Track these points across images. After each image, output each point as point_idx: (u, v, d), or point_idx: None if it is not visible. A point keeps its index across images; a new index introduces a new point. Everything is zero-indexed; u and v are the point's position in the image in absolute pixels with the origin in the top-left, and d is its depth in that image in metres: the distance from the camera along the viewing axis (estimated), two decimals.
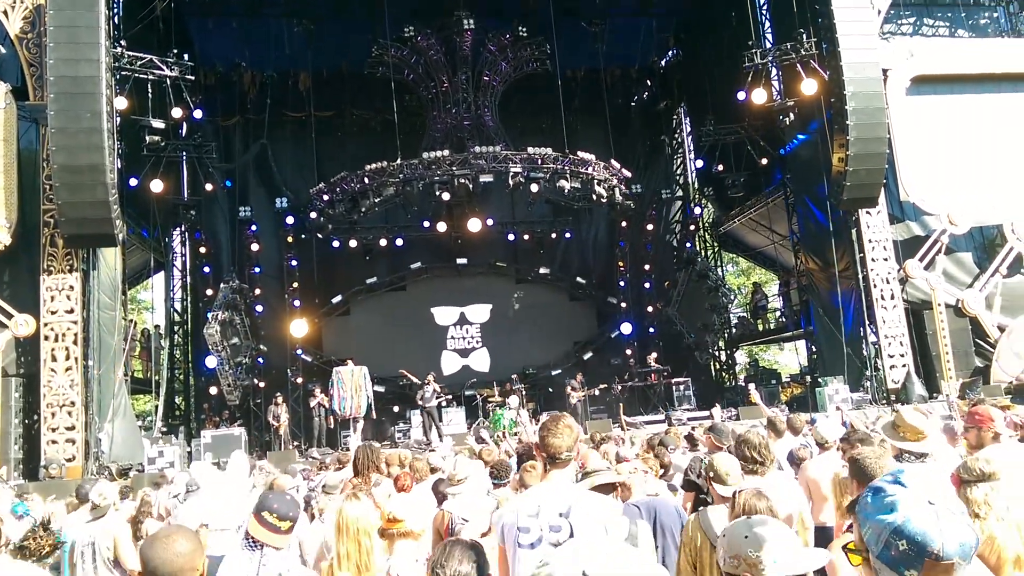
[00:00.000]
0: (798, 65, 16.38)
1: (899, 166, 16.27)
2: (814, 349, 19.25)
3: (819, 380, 16.50)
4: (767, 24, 19.20)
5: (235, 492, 6.09)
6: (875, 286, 15.89)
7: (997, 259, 16.48)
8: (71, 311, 13.31)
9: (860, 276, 16.01)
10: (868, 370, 15.72)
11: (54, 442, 12.85)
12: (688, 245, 23.64)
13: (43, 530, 5.06)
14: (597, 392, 17.99)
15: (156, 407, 17.87)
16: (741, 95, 17.65)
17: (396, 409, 19.56)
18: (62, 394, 12.99)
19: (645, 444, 8.07)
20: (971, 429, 4.90)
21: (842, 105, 14.90)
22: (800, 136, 18.18)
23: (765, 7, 19.24)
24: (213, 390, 19.15)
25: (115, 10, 14.42)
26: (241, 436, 14.63)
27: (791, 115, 17.16)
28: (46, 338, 13.20)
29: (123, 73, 14.59)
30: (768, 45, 18.12)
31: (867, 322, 15.93)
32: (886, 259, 16.09)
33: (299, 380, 20.26)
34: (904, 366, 15.59)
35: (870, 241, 16.09)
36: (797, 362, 26.33)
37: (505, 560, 3.11)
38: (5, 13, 13.71)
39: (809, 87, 16.15)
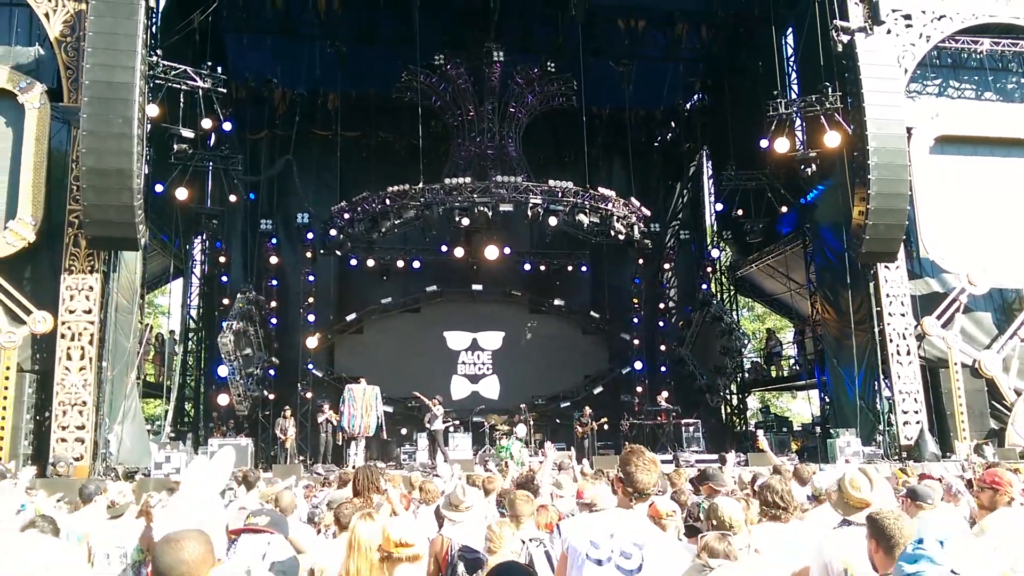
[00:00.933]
0: (822, 117, 16.45)
1: (920, 223, 16.26)
2: (826, 399, 19.09)
3: (830, 431, 16.34)
4: (793, 75, 19.38)
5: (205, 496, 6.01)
6: (891, 341, 15.78)
7: (1015, 323, 16.36)
8: (89, 311, 13.41)
9: (876, 330, 15.90)
10: (881, 425, 15.56)
11: (63, 440, 12.88)
12: (704, 287, 23.62)
13: None
14: (606, 427, 17.89)
15: (166, 412, 17.91)
16: (764, 143, 17.71)
17: (404, 431, 19.48)
18: (74, 393, 13.04)
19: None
20: (985, 490, 4.85)
21: (865, 160, 14.95)
22: (821, 186, 18.21)
23: (792, 58, 19.43)
24: (223, 399, 19.20)
25: (154, 20, 14.69)
26: (248, 447, 14.62)
27: (813, 165, 17.19)
28: (63, 336, 13.28)
29: (157, 81, 14.83)
30: (793, 96, 18.26)
31: (882, 376, 15.80)
32: (903, 314, 15.99)
33: (309, 395, 20.27)
34: (918, 423, 15.41)
35: (887, 295, 16.01)
36: (809, 411, 26.12)
37: (564, 566, 3.17)
38: (47, 16, 14.03)
39: (832, 140, 16.20)
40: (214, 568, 2.39)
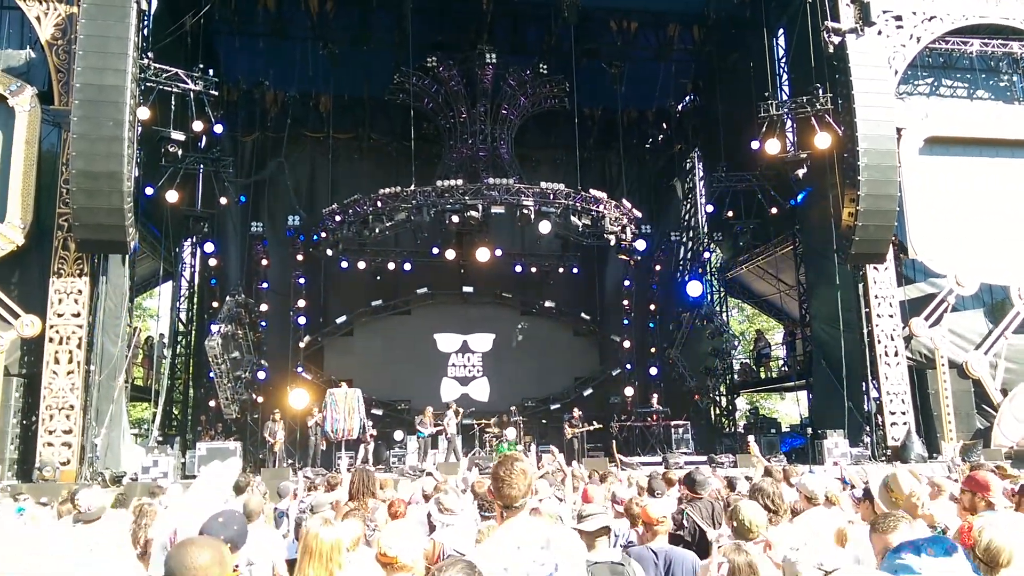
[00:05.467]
0: (812, 119, 16.50)
1: (909, 224, 16.34)
2: (815, 401, 19.16)
3: (819, 432, 16.42)
4: (784, 76, 19.43)
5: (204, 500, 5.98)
6: (879, 342, 15.86)
7: (1003, 323, 16.46)
8: (77, 315, 13.39)
9: (865, 331, 15.98)
10: (869, 426, 15.63)
11: (50, 444, 12.85)
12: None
13: None
14: (594, 427, 17.90)
15: (154, 416, 17.84)
16: (755, 144, 17.78)
17: (398, 437, 19.37)
18: (62, 397, 13.01)
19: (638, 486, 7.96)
20: (967, 493, 4.88)
21: (854, 161, 15.03)
22: (811, 188, 18.27)
23: (784, 60, 19.49)
24: (212, 403, 19.12)
25: (145, 23, 14.66)
26: (236, 450, 14.57)
27: (804, 167, 17.25)
28: (51, 340, 13.25)
29: (148, 84, 14.79)
30: (784, 97, 18.30)
31: (870, 377, 15.88)
32: (891, 316, 16.08)
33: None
34: (905, 424, 15.50)
35: (876, 297, 16.09)
36: (798, 412, 26.18)
37: None
38: (38, 19, 14.01)
39: (823, 141, 16.24)
40: None
